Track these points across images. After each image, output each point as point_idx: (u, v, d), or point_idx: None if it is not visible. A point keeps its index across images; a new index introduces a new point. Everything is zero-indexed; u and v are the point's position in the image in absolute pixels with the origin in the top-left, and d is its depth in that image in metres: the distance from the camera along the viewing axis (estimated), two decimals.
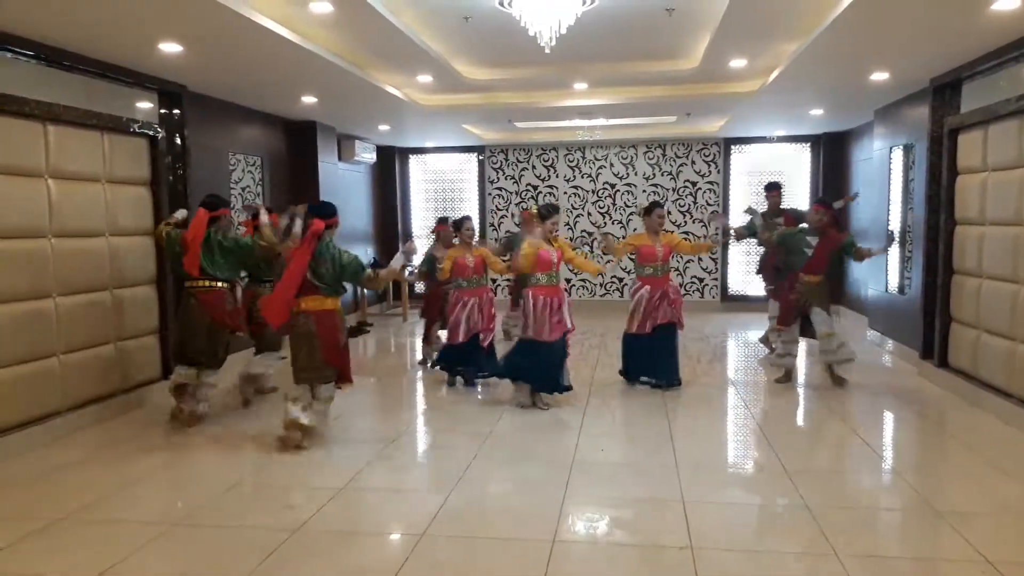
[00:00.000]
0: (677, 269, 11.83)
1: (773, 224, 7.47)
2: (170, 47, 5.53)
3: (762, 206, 8.32)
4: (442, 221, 7.89)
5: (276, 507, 4.28)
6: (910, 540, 3.84)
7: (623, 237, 12.34)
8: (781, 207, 8.17)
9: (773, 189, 8.31)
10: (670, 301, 6.62)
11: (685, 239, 8.48)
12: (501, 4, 5.04)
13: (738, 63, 6.99)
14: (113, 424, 5.83)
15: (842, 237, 6.79)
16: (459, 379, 7.02)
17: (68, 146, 5.66)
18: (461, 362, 6.89)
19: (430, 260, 7.24)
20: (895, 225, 8.59)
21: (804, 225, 6.93)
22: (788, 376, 6.93)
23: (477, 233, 7.60)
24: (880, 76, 6.97)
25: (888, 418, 6.13)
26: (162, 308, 6.72)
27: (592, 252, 11.79)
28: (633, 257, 6.81)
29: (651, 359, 6.73)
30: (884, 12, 4.99)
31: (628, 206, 12.29)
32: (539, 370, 6.08)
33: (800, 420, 6.10)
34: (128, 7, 4.64)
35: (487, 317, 6.77)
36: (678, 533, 3.77)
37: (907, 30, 5.47)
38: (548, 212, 6.05)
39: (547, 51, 5.12)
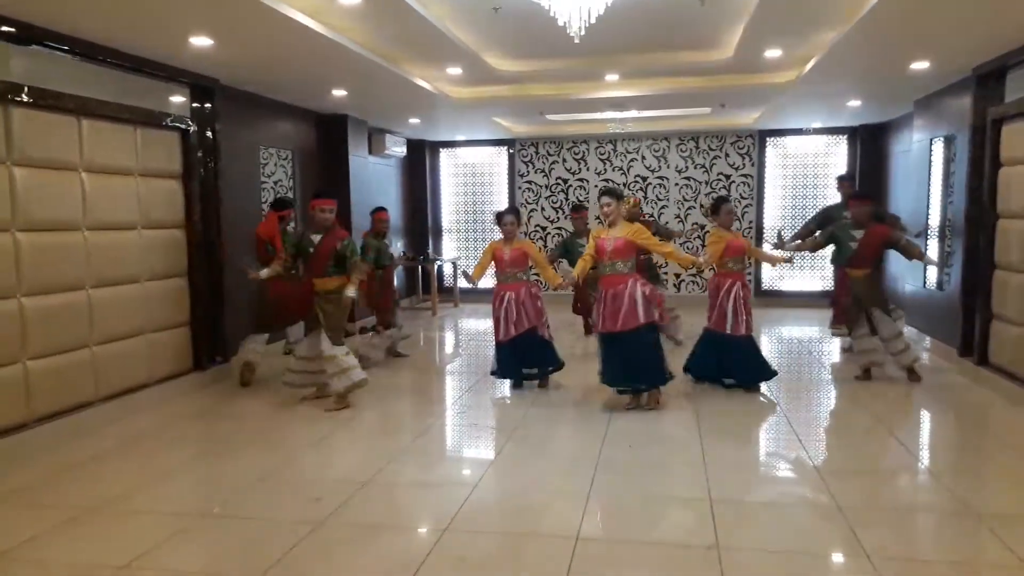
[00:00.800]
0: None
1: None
2: (201, 41, 5.57)
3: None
4: (577, 208, 8.56)
5: (303, 500, 4.29)
6: (947, 543, 3.71)
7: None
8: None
9: (846, 180, 8.54)
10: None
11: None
12: None
13: (773, 53, 6.84)
14: (145, 415, 5.91)
15: (886, 231, 6.64)
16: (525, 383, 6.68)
17: (101, 140, 5.73)
18: (521, 363, 6.53)
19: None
20: (935, 219, 8.37)
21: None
22: (867, 374, 6.80)
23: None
24: (921, 65, 6.77)
25: (925, 417, 5.98)
26: (193, 300, 6.79)
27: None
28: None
29: (731, 358, 6.42)
30: None
31: (660, 199, 12.16)
32: (614, 366, 5.86)
33: (833, 418, 5.97)
34: (159, 1, 4.67)
35: (533, 312, 6.40)
36: (704, 532, 3.70)
37: (951, 16, 5.29)
38: (600, 195, 5.94)
39: (576, 41, 5.04)
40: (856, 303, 6.75)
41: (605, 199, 5.81)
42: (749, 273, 11.88)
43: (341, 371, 5.95)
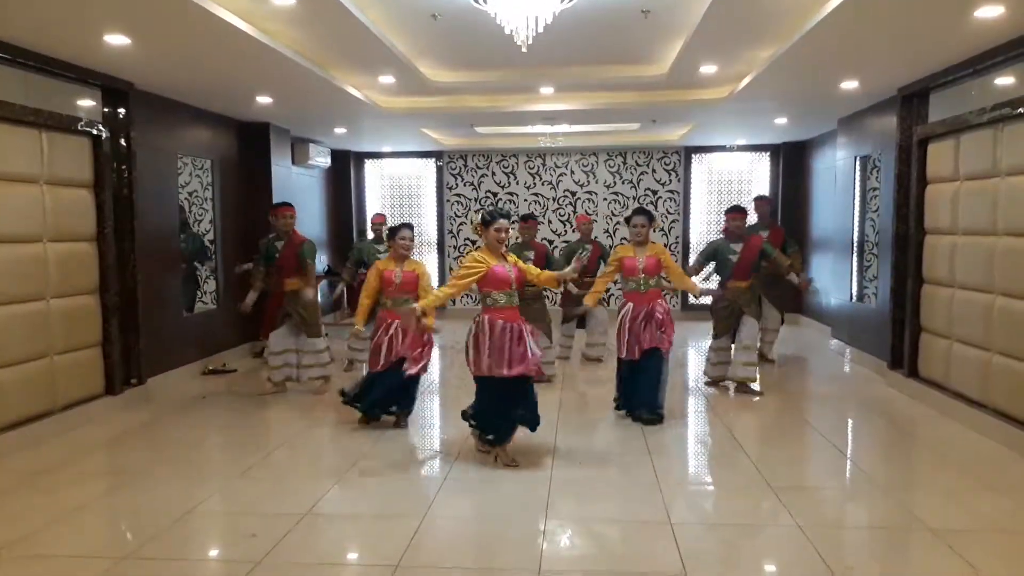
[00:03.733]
0: None
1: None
2: (116, 39, 5.14)
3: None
4: (525, 218, 7.71)
5: (235, 536, 3.95)
6: (909, 560, 3.69)
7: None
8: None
9: (762, 200, 8.52)
10: (657, 322, 5.85)
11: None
12: (476, 1, 4.79)
13: (708, 69, 6.87)
14: (49, 446, 5.36)
15: (760, 242, 6.86)
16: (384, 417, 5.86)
17: (1, 144, 5.22)
18: (384, 396, 5.71)
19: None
20: (856, 234, 8.63)
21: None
22: (714, 384, 7.08)
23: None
24: (849, 85, 6.94)
25: (866, 431, 6.05)
26: (106, 319, 6.28)
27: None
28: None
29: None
30: (867, 18, 4.90)
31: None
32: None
33: (777, 433, 5.96)
34: None
35: (414, 343, 5.56)
36: (671, 558, 3.55)
37: (883, 38, 5.42)
38: (491, 218, 4.88)
39: (524, 50, 4.89)
40: (731, 312, 6.82)
41: (501, 223, 4.90)
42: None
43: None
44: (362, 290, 5.95)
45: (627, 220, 6.13)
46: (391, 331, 5.69)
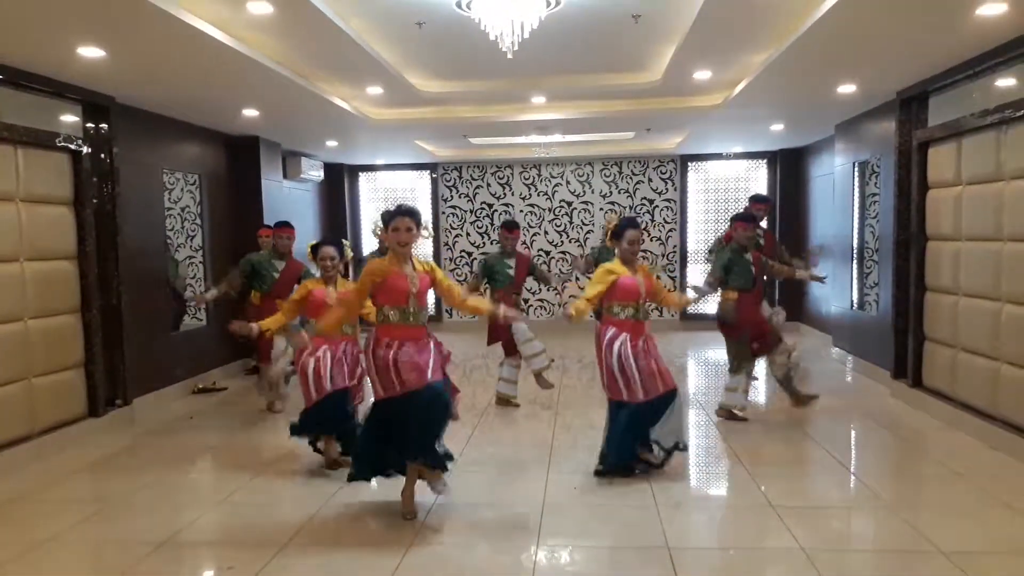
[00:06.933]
0: None
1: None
2: (91, 52, 5.00)
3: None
4: (509, 226, 6.92)
5: (211, 569, 3.76)
6: None
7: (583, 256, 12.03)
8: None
9: (761, 202, 7.46)
10: (657, 357, 4.87)
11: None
12: (459, 6, 4.66)
13: (702, 75, 6.72)
14: (27, 473, 5.18)
15: (759, 256, 6.28)
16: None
17: None
18: (323, 427, 5.13)
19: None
20: (855, 241, 8.47)
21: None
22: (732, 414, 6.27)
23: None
24: (847, 89, 6.79)
25: (871, 444, 5.86)
26: (88, 339, 6.11)
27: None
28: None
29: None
30: (863, 19, 4.75)
31: (585, 224, 12.01)
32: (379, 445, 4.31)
33: (779, 447, 5.75)
34: (35, 5, 4.11)
35: (350, 372, 5.04)
36: None
37: (880, 40, 5.28)
38: (390, 217, 4.34)
39: (509, 56, 4.76)
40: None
41: (403, 220, 4.15)
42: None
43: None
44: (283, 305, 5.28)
45: (616, 234, 4.98)
46: (316, 360, 4.95)
